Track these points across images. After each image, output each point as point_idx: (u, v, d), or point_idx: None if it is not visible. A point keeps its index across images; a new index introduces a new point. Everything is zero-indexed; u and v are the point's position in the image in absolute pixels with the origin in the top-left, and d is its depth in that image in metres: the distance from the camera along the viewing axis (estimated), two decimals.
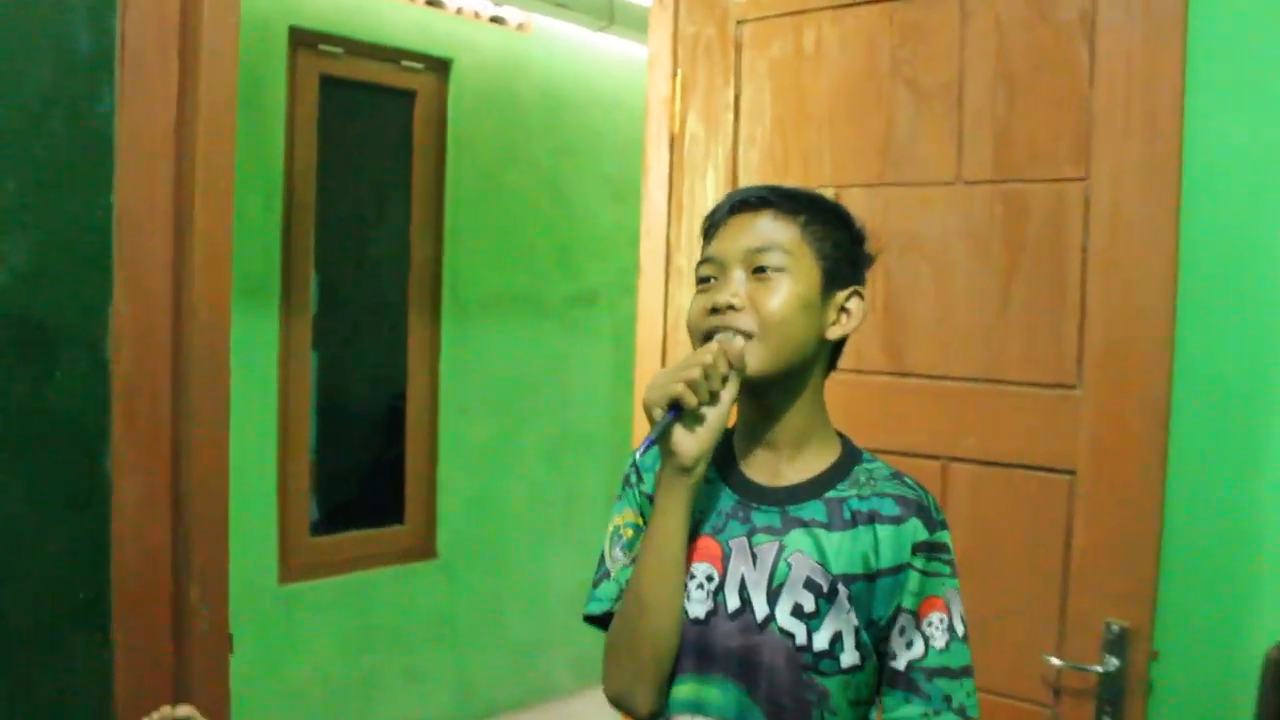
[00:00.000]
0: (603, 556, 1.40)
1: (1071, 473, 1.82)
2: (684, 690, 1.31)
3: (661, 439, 1.24)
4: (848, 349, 1.41)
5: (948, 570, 1.31)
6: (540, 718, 4.12)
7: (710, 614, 1.30)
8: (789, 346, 1.29)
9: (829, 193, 2.02)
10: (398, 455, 3.98)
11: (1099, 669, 1.79)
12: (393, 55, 3.82)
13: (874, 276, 2.00)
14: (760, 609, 1.28)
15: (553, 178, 4.20)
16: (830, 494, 1.31)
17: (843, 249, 1.35)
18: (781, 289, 1.28)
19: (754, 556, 1.30)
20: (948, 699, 1.28)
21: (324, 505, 3.91)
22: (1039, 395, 1.86)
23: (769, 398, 1.32)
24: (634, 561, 1.33)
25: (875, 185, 2.01)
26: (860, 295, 1.36)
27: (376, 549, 3.91)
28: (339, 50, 3.67)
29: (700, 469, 1.26)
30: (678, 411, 1.21)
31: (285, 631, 3.59)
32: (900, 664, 1.28)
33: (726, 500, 1.35)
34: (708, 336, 1.28)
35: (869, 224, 1.41)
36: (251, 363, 3.42)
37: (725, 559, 1.31)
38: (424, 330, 3.98)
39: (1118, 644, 1.78)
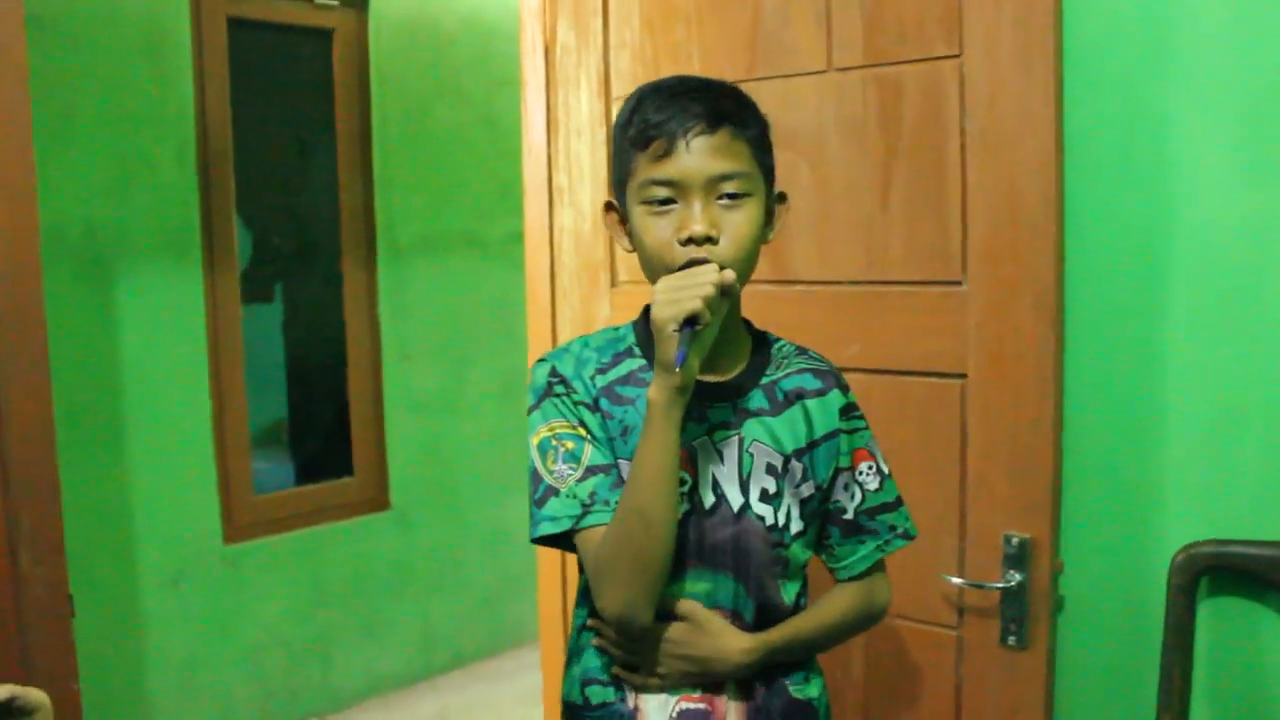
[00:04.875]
0: (536, 472, 1.35)
1: (963, 376, 1.69)
2: (685, 586, 1.35)
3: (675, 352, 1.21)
4: None
5: (863, 423, 1.46)
6: (506, 665, 4.02)
7: (688, 513, 1.34)
8: (750, 271, 1.33)
9: None
10: (342, 406, 3.87)
11: (1001, 585, 1.67)
12: None
13: None
14: (735, 500, 1.35)
15: (487, 112, 4.03)
16: (764, 380, 1.39)
17: (771, 154, 1.37)
18: (749, 217, 1.29)
19: (719, 453, 1.36)
20: (893, 528, 1.46)
21: (268, 462, 3.80)
22: (924, 294, 1.71)
23: None
24: (606, 477, 1.33)
25: (746, 81, 1.85)
26: (786, 199, 1.40)
27: (327, 503, 3.80)
28: None
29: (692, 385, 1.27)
30: (692, 326, 1.20)
31: (234, 592, 3.50)
32: (849, 514, 1.43)
33: None
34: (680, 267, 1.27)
35: None
36: (176, 321, 3.30)
37: (693, 460, 1.35)
38: (360, 276, 3.84)
39: (1019, 558, 1.65)
